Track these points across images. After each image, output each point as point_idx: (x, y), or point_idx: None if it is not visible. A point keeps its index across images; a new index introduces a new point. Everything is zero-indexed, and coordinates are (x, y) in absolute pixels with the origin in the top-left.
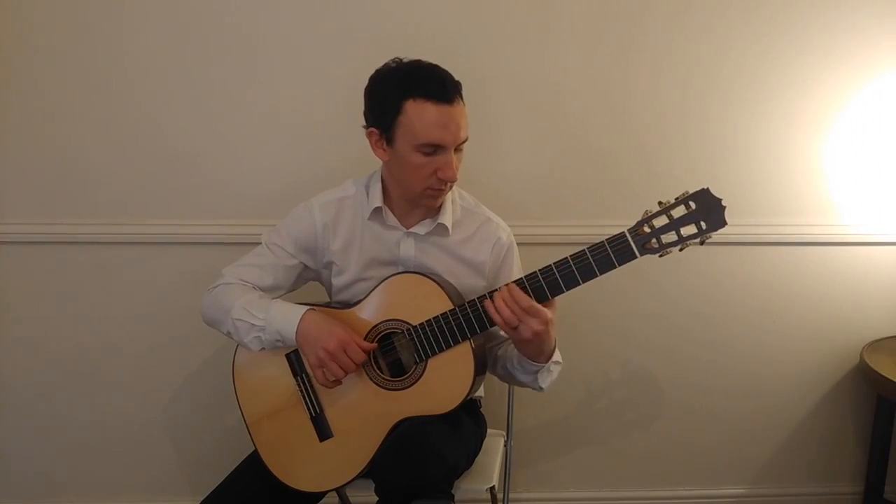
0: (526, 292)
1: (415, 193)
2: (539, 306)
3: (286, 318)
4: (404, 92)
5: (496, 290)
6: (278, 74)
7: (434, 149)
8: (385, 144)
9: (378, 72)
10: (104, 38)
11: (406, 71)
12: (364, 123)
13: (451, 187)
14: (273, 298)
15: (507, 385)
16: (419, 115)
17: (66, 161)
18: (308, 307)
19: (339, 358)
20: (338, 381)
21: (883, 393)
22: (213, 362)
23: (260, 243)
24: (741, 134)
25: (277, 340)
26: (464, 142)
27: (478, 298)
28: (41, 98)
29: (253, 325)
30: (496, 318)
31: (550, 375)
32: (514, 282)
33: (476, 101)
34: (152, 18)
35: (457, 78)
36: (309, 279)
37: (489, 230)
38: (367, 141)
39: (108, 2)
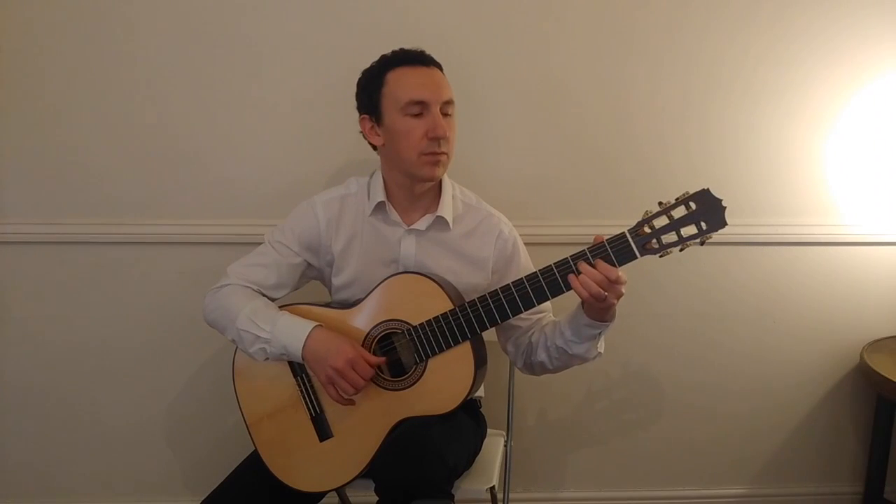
0: (526, 292)
1: (412, 165)
2: (619, 271)
3: (293, 333)
4: (385, 67)
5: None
6: (280, 74)
7: (419, 108)
8: (377, 127)
9: (364, 70)
10: (104, 38)
11: (385, 55)
12: (360, 128)
13: (448, 158)
14: (278, 304)
15: (507, 385)
16: (399, 79)
17: (67, 161)
18: (315, 323)
19: (347, 375)
20: (350, 401)
21: (883, 393)
22: (214, 362)
23: (261, 243)
24: (741, 134)
25: (283, 354)
26: (449, 104)
27: (572, 258)
28: (42, 98)
29: (258, 336)
30: (584, 294)
31: (602, 338)
32: (514, 282)
33: (476, 100)
34: (153, 18)
35: (457, 77)
36: (312, 277)
37: (490, 224)
38: (366, 143)
39: (109, 1)
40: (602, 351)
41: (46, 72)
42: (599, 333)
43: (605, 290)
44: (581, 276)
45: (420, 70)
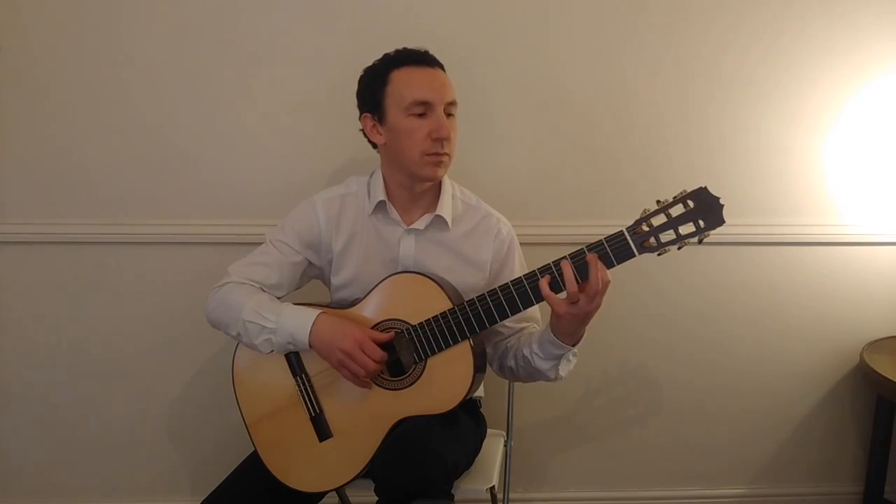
0: (525, 290)
1: (415, 164)
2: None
3: (298, 321)
4: (389, 66)
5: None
6: (279, 74)
7: (423, 108)
8: (379, 126)
9: (366, 68)
10: (104, 38)
11: (389, 54)
12: (360, 126)
13: (450, 159)
14: (281, 299)
15: (507, 384)
16: (404, 79)
17: (66, 161)
18: (320, 310)
19: (357, 357)
20: (367, 383)
21: (883, 393)
22: (214, 362)
23: (261, 243)
24: (740, 133)
25: (289, 343)
26: (452, 105)
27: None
28: (41, 98)
29: (264, 327)
30: (596, 281)
31: (569, 365)
32: (513, 281)
33: (475, 100)
34: (152, 18)
35: (457, 77)
36: (313, 276)
37: (489, 224)
38: (367, 142)
39: (109, 1)
40: (563, 375)
41: (46, 72)
42: (562, 356)
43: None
44: (600, 266)
45: (425, 70)
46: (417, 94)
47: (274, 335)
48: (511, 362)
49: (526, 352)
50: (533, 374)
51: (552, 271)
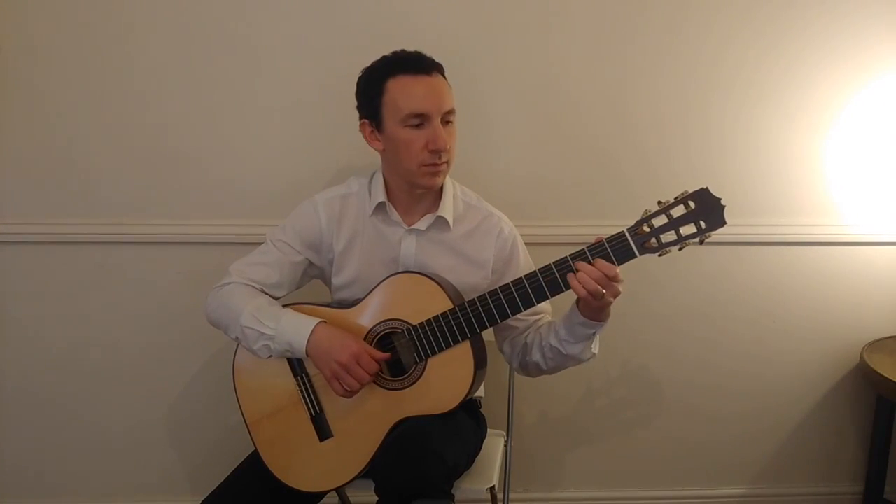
0: (526, 292)
1: (412, 174)
2: (616, 268)
3: (297, 330)
4: (385, 74)
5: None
6: (280, 74)
7: (420, 119)
8: (377, 133)
9: (364, 69)
10: (105, 38)
11: (386, 58)
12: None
13: (448, 166)
14: (281, 302)
15: (507, 385)
16: (400, 89)
17: (67, 161)
18: (319, 320)
19: (353, 370)
20: (354, 392)
21: (883, 393)
22: (214, 362)
23: (261, 243)
24: (741, 134)
25: (287, 350)
26: (450, 113)
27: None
28: (42, 98)
29: (262, 333)
30: (581, 292)
31: (597, 340)
32: (514, 281)
33: (476, 100)
34: (153, 18)
35: (457, 77)
36: (313, 276)
37: (491, 223)
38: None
39: (109, 2)
40: (596, 352)
41: (46, 72)
42: (594, 333)
43: (604, 288)
44: (579, 274)
45: (421, 80)
46: (413, 106)
47: (272, 342)
48: (537, 357)
49: (553, 342)
50: (564, 362)
51: (553, 272)
